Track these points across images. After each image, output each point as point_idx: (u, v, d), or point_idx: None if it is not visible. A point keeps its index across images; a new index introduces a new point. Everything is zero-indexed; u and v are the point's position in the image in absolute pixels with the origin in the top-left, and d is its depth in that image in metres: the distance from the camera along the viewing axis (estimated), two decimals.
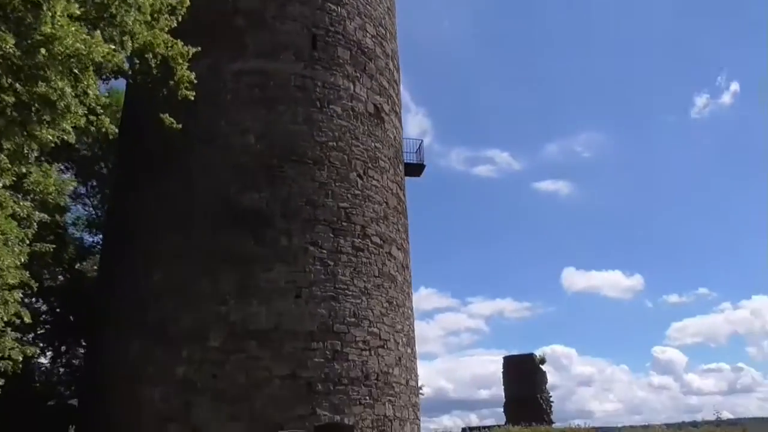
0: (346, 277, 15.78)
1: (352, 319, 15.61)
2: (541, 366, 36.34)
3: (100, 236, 21.79)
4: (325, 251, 15.59)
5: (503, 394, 36.47)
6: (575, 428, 26.23)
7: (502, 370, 36.74)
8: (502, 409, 35.65)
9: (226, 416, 13.73)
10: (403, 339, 17.30)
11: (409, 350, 17.59)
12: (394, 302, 17.21)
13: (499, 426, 30.04)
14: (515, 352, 37.94)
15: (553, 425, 31.59)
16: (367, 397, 15.26)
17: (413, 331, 18.44)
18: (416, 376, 17.98)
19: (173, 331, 14.55)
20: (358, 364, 15.33)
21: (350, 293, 15.75)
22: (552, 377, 36.95)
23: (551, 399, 35.62)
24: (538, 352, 36.77)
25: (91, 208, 23.14)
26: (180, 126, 12.96)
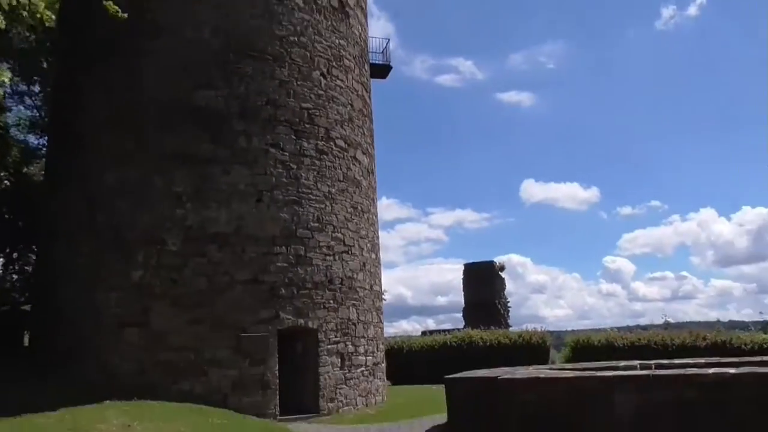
0: (309, 181, 15.24)
1: (316, 224, 15.22)
2: (500, 273, 37.13)
3: (46, 138, 20.54)
4: (287, 154, 14.94)
5: (461, 300, 37.37)
6: (531, 330, 27.12)
7: (462, 277, 37.46)
8: (459, 315, 36.65)
9: (187, 321, 13.45)
10: (368, 245, 17.07)
11: (373, 256, 17.43)
12: (359, 208, 16.84)
13: (458, 329, 30.86)
14: (472, 262, 38.63)
15: (510, 329, 32.62)
16: (331, 301, 15.14)
17: (378, 237, 18.23)
18: (380, 281, 17.94)
19: (127, 235, 13.94)
20: (322, 269, 15.09)
21: (314, 198, 15.27)
22: (508, 285, 38.42)
23: (509, 304, 36.69)
24: (497, 260, 37.43)
25: (34, 109, 21.69)
26: (125, 16, 11.79)
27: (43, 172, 20.38)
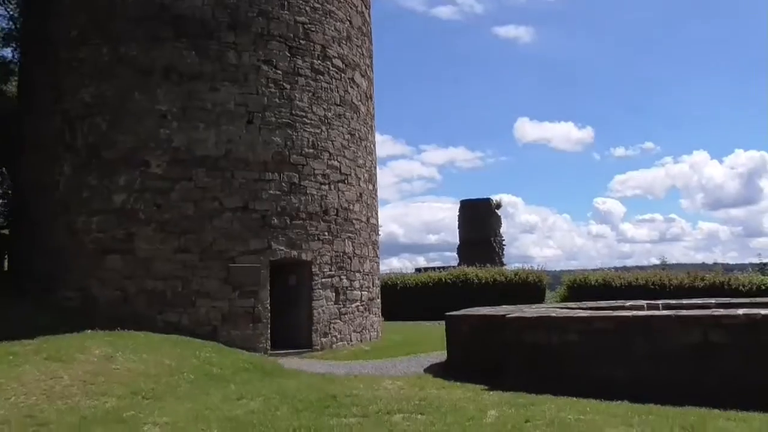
0: (304, 102, 14.16)
1: (311, 150, 14.24)
2: (496, 211, 36.45)
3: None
4: (280, 72, 13.79)
5: (452, 238, 36.80)
6: (528, 269, 26.64)
7: (458, 214, 36.76)
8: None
9: (174, 249, 12.63)
10: (365, 175, 16.15)
11: (370, 186, 16.54)
12: (357, 135, 15.83)
13: (452, 267, 30.39)
14: (470, 198, 37.90)
15: (504, 267, 32.12)
16: (326, 233, 14.34)
17: (375, 167, 17.29)
18: (377, 213, 17.12)
19: (108, 156, 12.95)
20: (316, 198, 14.21)
21: (309, 121, 14.23)
22: None
23: (503, 243, 36.16)
24: (494, 198, 36.69)
25: (9, 20, 20.14)
26: None
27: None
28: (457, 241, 37.11)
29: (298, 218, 13.77)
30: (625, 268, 27.73)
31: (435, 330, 19.70)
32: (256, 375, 10.44)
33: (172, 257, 12.60)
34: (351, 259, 15.04)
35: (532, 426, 6.29)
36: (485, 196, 36.24)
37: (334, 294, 14.37)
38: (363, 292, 15.47)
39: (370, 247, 16.16)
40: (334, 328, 14.24)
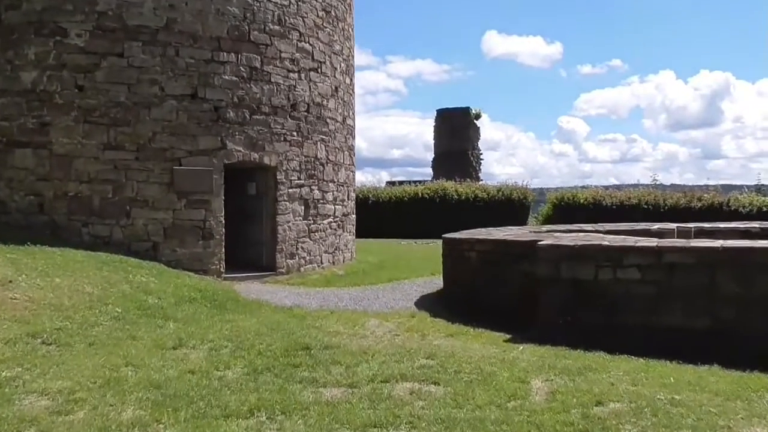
0: None
1: (276, 27, 11.42)
2: (475, 121, 34.01)
3: None
4: None
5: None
6: (512, 185, 24.65)
7: (434, 124, 34.21)
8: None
9: (102, 144, 9.98)
10: (342, 65, 13.43)
11: (347, 80, 13.86)
12: (333, 13, 12.98)
13: (424, 181, 28.20)
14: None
15: (480, 183, 30.07)
16: (294, 133, 11.78)
17: (353, 57, 14.53)
18: (353, 114, 14.53)
19: (11, 19, 9.96)
20: (283, 88, 11.54)
21: None
22: None
23: (481, 156, 34.00)
24: (473, 108, 34.14)
25: None
26: None
27: None
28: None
29: (259, 112, 11.14)
30: (616, 187, 25.90)
31: (414, 250, 17.69)
32: (203, 308, 8.17)
33: (99, 155, 9.96)
34: (324, 166, 12.59)
35: (613, 415, 4.18)
36: (463, 105, 33.60)
37: (302, 207, 12.00)
38: (337, 206, 13.13)
39: (346, 152, 13.69)
40: (302, 247, 11.97)
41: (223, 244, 10.76)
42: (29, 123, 9.93)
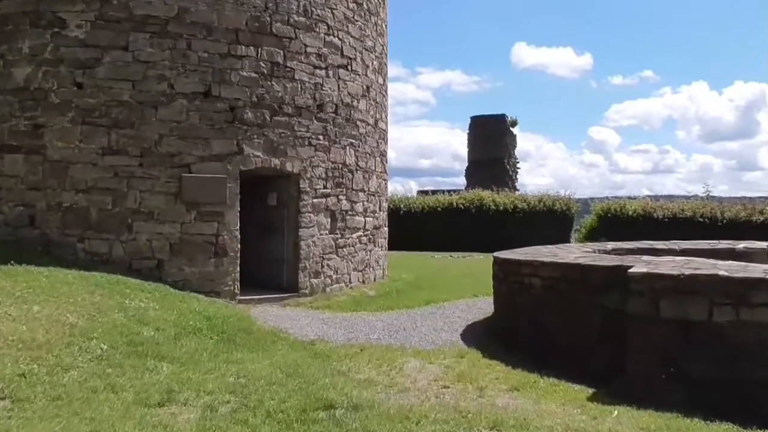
0: None
1: (302, 19, 10.14)
2: (511, 129, 32.42)
3: None
4: None
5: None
6: (554, 195, 23.03)
7: (467, 132, 32.71)
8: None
9: (102, 148, 8.77)
10: (374, 63, 12.09)
11: (380, 80, 12.51)
12: (365, 6, 11.66)
13: (457, 191, 26.69)
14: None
15: (517, 192, 28.43)
16: (321, 137, 10.46)
17: (386, 55, 13.19)
18: (386, 116, 13.17)
19: (6, 9, 8.86)
20: (308, 87, 10.24)
21: None
22: None
23: (518, 165, 32.37)
24: (509, 116, 32.56)
25: None
26: None
27: None
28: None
29: (281, 113, 9.85)
30: (669, 197, 24.03)
31: (450, 266, 16.20)
32: (209, 342, 6.82)
33: (98, 161, 8.75)
34: (353, 174, 11.23)
35: None
36: (499, 113, 32.04)
37: (329, 219, 10.65)
38: (367, 218, 11.75)
39: (378, 158, 12.32)
40: (328, 265, 10.60)
41: (238, 261, 9.45)
42: (21, 125, 8.79)
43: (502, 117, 31.93)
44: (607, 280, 5.81)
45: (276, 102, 9.78)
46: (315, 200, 10.38)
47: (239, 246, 9.45)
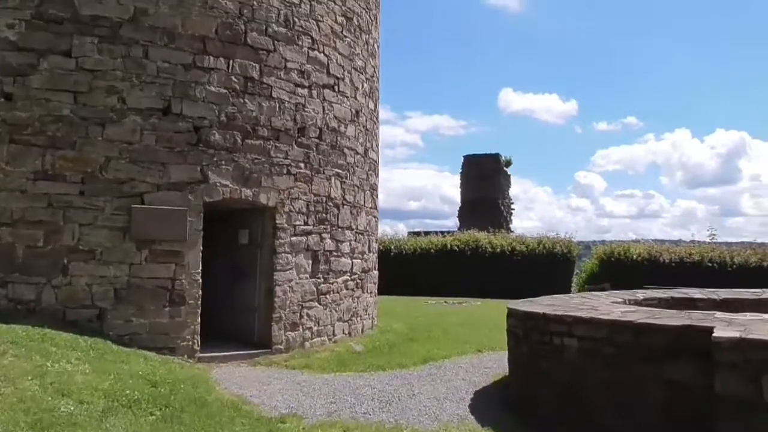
0: None
1: (283, 30, 8.82)
2: (505, 169, 31.27)
3: None
4: None
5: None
6: (554, 237, 21.65)
7: (460, 171, 31.50)
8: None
9: (34, 172, 7.25)
10: (365, 85, 10.77)
11: (371, 105, 11.17)
12: (356, 21, 10.40)
13: (449, 232, 25.26)
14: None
15: (512, 234, 27.07)
16: (302, 165, 9.02)
17: (378, 78, 11.89)
18: (378, 147, 11.79)
19: None
20: (288, 107, 8.85)
21: None
22: None
23: (512, 206, 31.08)
24: (503, 156, 31.45)
25: None
26: None
27: None
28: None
29: (255, 136, 8.42)
30: (673, 242, 22.70)
31: (447, 313, 14.61)
32: (145, 422, 5.20)
33: (29, 187, 7.21)
34: (339, 209, 9.77)
35: None
36: (493, 152, 30.92)
37: (310, 261, 9.13)
38: (355, 260, 10.24)
39: (367, 192, 10.88)
40: (308, 315, 9.02)
41: (199, 311, 7.87)
42: None
43: (496, 156, 30.80)
44: (674, 345, 4.33)
45: (249, 123, 8.36)
46: (294, 238, 8.86)
47: (200, 292, 7.88)
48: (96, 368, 6.16)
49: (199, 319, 7.85)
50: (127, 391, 5.72)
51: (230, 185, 8.13)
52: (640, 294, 7.96)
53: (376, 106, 11.52)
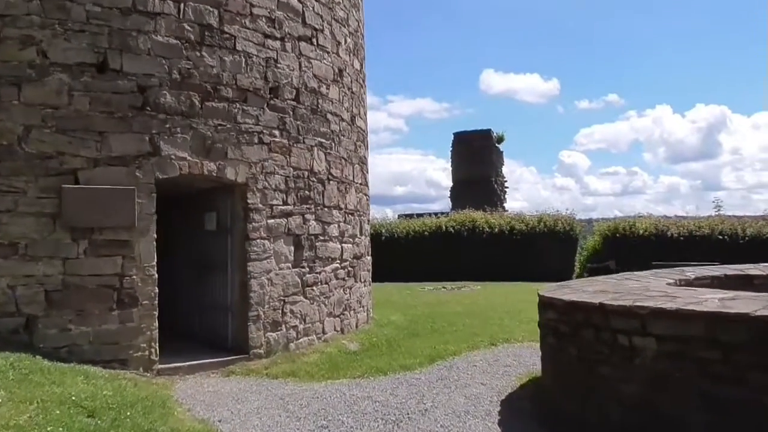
0: None
1: None
2: (497, 145, 29.88)
3: None
4: None
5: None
6: (555, 214, 20.32)
7: (451, 150, 30.04)
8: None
9: None
10: (348, 40, 9.25)
11: (356, 64, 9.67)
12: None
13: (441, 213, 23.87)
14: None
15: (506, 213, 25.73)
16: (277, 132, 7.52)
17: (363, 35, 10.37)
18: (365, 114, 10.31)
19: None
20: (257, 62, 7.33)
21: None
22: None
23: (506, 184, 29.74)
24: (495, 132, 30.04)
25: None
26: None
27: None
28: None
29: (218, 97, 6.91)
30: (666, 217, 21.38)
31: (448, 301, 13.18)
32: None
33: None
34: (324, 185, 8.30)
35: None
36: (484, 128, 29.50)
37: (292, 248, 7.67)
38: (345, 245, 8.79)
39: (356, 166, 9.42)
40: (291, 311, 7.57)
41: (157, 313, 6.39)
42: None
43: (488, 132, 29.37)
44: None
45: (209, 81, 6.84)
46: (271, 221, 7.39)
47: (157, 290, 6.41)
48: (15, 395, 4.70)
49: (156, 323, 6.38)
50: (50, 428, 4.27)
51: (189, 158, 6.63)
52: (690, 272, 6.60)
53: (362, 66, 10.02)
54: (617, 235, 19.32)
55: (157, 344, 6.38)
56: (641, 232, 19.12)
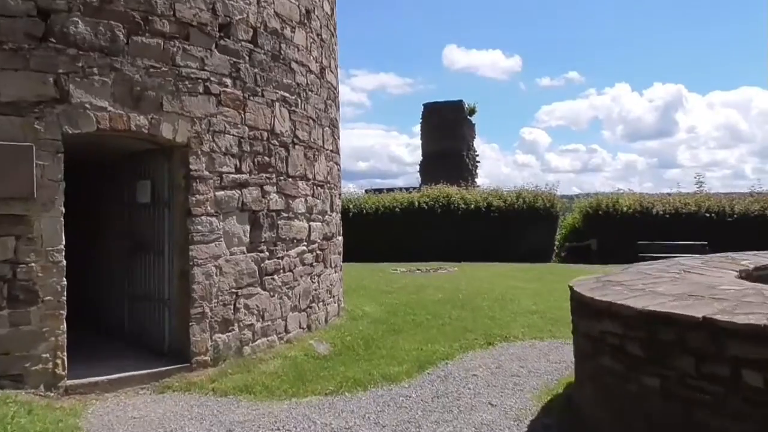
0: None
1: None
2: (469, 117, 28.51)
3: None
4: None
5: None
6: (534, 190, 19.12)
7: (420, 121, 28.54)
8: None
9: None
10: None
11: (327, 7, 8.07)
12: None
13: (411, 188, 22.47)
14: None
15: (479, 188, 24.51)
16: (228, 80, 5.93)
17: None
18: (337, 68, 8.74)
19: None
20: None
21: None
22: None
23: (477, 157, 28.45)
24: (467, 103, 28.63)
25: None
26: None
27: None
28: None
29: (150, 31, 5.28)
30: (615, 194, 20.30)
31: (425, 285, 11.74)
32: None
33: None
34: (288, 150, 6.75)
35: None
36: (455, 99, 28.06)
37: (247, 227, 6.13)
38: (314, 223, 7.29)
39: (327, 129, 7.87)
40: (247, 306, 6.07)
41: (64, 313, 4.82)
42: None
43: (459, 104, 27.92)
44: None
45: (138, 10, 5.21)
46: (220, 193, 5.84)
47: (65, 282, 4.83)
48: None
49: (64, 325, 4.81)
50: None
51: (110, 108, 5.01)
52: (746, 260, 5.33)
53: (333, 10, 8.42)
54: (599, 212, 18.25)
55: (65, 353, 4.82)
56: (625, 209, 18.08)
